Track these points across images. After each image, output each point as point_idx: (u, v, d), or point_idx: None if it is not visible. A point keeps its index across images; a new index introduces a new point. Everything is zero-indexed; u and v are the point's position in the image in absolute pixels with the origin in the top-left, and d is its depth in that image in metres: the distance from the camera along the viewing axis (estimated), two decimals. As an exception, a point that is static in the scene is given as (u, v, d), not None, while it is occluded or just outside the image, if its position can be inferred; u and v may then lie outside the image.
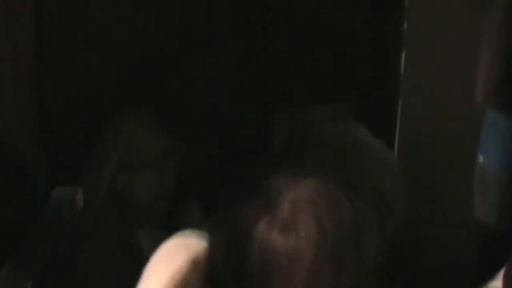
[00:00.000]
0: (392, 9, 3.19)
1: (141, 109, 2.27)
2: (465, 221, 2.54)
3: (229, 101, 2.96)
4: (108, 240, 2.08)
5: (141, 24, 2.82)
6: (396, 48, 3.21)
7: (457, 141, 2.97)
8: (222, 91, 2.95)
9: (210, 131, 2.88)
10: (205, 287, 1.18)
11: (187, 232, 1.38)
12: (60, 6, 2.73)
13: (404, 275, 3.06)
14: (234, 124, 2.97)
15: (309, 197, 1.08)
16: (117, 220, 2.12)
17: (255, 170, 1.22)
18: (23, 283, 2.11)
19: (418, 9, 3.12)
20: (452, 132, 3.04)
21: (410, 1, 3.10)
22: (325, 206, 1.07)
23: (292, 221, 1.08)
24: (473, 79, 2.22)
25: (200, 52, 2.89)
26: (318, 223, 1.07)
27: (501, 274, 1.68)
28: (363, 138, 1.32)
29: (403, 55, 3.21)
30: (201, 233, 1.32)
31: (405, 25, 3.19)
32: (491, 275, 2.41)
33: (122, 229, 2.12)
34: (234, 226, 1.15)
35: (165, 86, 2.81)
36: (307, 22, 3.05)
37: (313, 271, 1.06)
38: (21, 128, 2.52)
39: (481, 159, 2.39)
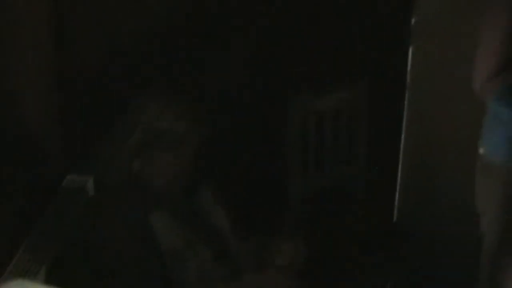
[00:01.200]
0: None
1: (159, 93, 2.29)
2: (468, 211, 2.57)
3: (243, 86, 3.00)
4: (122, 223, 2.12)
5: (159, 4, 2.82)
6: (404, 42, 3.27)
7: (459, 132, 3.01)
8: (237, 76, 2.98)
9: (225, 117, 2.91)
10: None
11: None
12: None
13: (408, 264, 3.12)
14: (248, 109, 3.01)
15: None
16: (132, 203, 2.16)
17: None
18: (37, 267, 2.16)
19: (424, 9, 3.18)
20: (454, 124, 3.09)
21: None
22: None
23: None
24: (474, 73, 2.26)
25: (216, 38, 2.93)
26: None
27: None
28: None
29: (410, 49, 3.26)
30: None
31: (413, 21, 3.24)
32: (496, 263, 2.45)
33: (137, 212, 2.15)
34: None
35: (181, 70, 2.83)
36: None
37: None
38: (40, 118, 2.55)
39: (481, 150, 2.42)
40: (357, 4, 3.12)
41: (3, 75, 2.47)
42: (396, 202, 3.45)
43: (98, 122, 2.40)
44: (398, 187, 3.44)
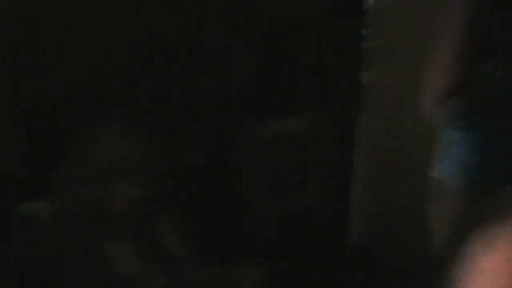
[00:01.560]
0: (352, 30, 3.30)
1: (115, 121, 2.28)
2: (421, 233, 2.60)
3: (202, 113, 3.02)
4: (77, 251, 2.11)
5: (117, 38, 2.83)
6: (356, 68, 3.32)
7: (412, 155, 3.06)
8: (196, 105, 3.00)
9: (183, 144, 2.92)
10: None
11: None
12: (36, 18, 2.71)
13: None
14: (206, 136, 3.03)
15: None
16: (88, 230, 2.15)
17: None
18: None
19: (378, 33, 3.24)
20: (407, 147, 3.14)
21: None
22: None
23: None
24: (423, 96, 2.29)
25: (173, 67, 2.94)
26: None
27: None
28: None
29: (363, 75, 3.32)
30: None
31: (365, 45, 3.30)
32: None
33: (93, 240, 2.14)
34: None
35: (139, 100, 2.84)
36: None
37: None
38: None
39: (434, 173, 2.44)
40: (310, 33, 3.17)
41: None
42: (349, 226, 3.47)
43: (54, 149, 2.39)
44: (351, 211, 3.47)
